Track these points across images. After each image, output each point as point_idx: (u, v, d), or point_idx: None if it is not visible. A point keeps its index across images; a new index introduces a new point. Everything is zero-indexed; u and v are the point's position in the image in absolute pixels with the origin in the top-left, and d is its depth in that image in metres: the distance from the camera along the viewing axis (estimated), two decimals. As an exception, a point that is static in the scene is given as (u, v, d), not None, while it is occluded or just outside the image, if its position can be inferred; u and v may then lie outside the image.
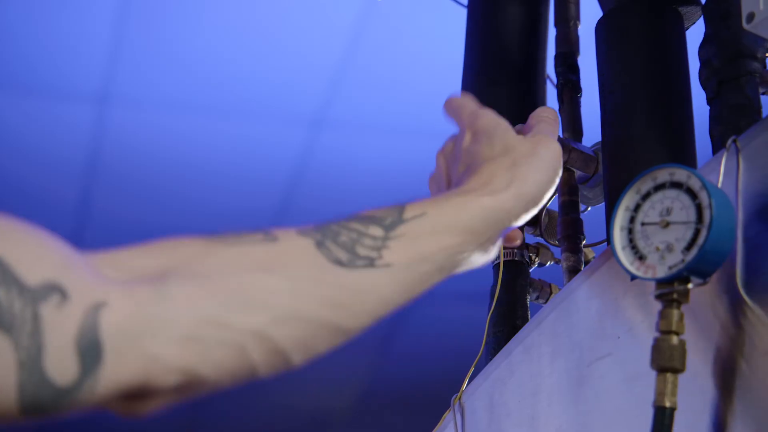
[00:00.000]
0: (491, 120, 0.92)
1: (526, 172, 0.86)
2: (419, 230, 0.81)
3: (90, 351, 0.64)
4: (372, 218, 0.80)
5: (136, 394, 0.68)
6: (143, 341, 0.66)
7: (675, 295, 0.80)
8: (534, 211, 0.87)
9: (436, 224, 0.81)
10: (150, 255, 0.71)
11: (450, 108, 0.96)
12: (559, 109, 1.23)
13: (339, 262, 0.76)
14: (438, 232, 0.81)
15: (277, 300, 0.72)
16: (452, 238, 0.82)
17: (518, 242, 0.91)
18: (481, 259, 0.85)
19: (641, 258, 0.81)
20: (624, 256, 0.82)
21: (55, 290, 0.63)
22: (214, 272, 0.71)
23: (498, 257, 1.20)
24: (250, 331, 0.71)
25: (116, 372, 0.65)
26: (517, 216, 0.85)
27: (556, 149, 0.88)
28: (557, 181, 0.88)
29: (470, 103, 0.95)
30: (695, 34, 1.09)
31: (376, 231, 0.79)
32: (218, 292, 0.70)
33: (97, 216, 3.63)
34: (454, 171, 0.92)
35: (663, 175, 0.82)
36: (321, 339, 0.76)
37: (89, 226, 3.64)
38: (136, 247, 0.71)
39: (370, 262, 0.78)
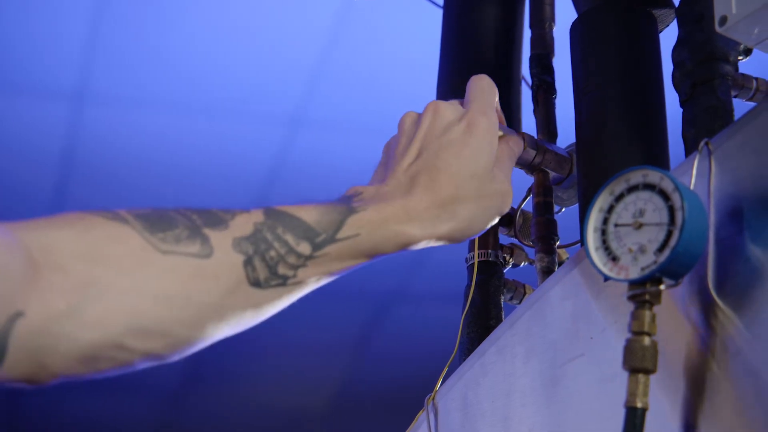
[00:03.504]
0: (485, 131, 0.93)
1: (471, 219, 0.90)
2: (344, 253, 0.84)
3: None
4: (309, 230, 0.82)
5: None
6: (41, 354, 0.71)
7: (647, 297, 0.80)
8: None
9: (362, 248, 0.85)
10: (85, 252, 0.74)
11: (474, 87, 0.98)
12: (534, 111, 1.23)
13: (257, 283, 0.80)
14: (357, 256, 0.85)
15: (179, 330, 0.77)
16: (366, 259, 0.86)
17: None
18: None
19: (614, 259, 0.82)
20: (597, 257, 0.83)
21: None
22: (133, 290, 0.75)
23: (472, 257, 1.20)
24: (143, 353, 0.76)
25: (8, 372, 0.71)
26: (435, 243, 0.90)
27: (506, 199, 0.93)
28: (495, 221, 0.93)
29: (490, 95, 0.96)
30: (669, 36, 1.10)
31: (305, 248, 0.82)
32: (128, 314, 0.74)
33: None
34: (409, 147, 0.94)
35: (636, 176, 0.82)
36: (203, 346, 0.81)
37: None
38: (75, 237, 0.74)
39: (283, 282, 0.81)
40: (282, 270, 0.81)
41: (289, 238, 0.82)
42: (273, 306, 0.83)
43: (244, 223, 0.81)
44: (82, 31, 2.92)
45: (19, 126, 3.24)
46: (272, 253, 0.81)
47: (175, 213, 0.79)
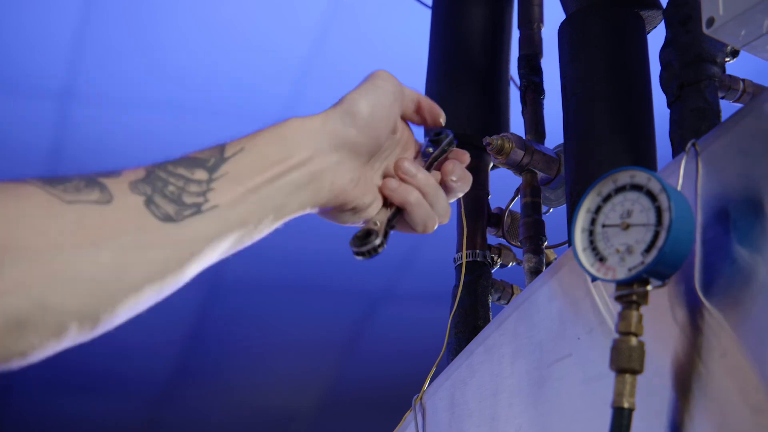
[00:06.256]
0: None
1: (356, 95, 0.89)
2: (244, 168, 0.84)
3: None
4: (197, 161, 0.83)
5: None
6: None
7: (634, 297, 0.80)
8: (376, 132, 0.89)
9: (256, 158, 0.84)
10: None
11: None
12: (522, 111, 1.23)
13: (168, 218, 0.79)
14: (263, 167, 0.84)
15: (103, 276, 0.75)
16: (273, 167, 0.84)
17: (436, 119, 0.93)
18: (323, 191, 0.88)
19: (602, 260, 0.82)
20: (585, 257, 0.83)
21: None
22: (46, 248, 0.73)
23: (460, 257, 1.20)
24: (73, 313, 0.74)
25: None
26: (347, 135, 0.88)
27: (393, 81, 0.91)
28: (395, 107, 0.91)
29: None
30: (657, 37, 1.10)
31: (201, 175, 0.82)
32: (47, 272, 0.73)
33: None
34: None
35: (624, 177, 0.82)
36: (147, 300, 0.79)
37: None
38: None
39: (198, 209, 0.80)
40: (189, 199, 0.81)
41: (183, 171, 0.82)
42: (204, 239, 0.81)
43: (134, 171, 0.81)
44: (71, 29, 2.92)
45: (7, 123, 3.23)
46: (171, 188, 0.81)
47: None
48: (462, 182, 0.94)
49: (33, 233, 0.74)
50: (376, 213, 0.93)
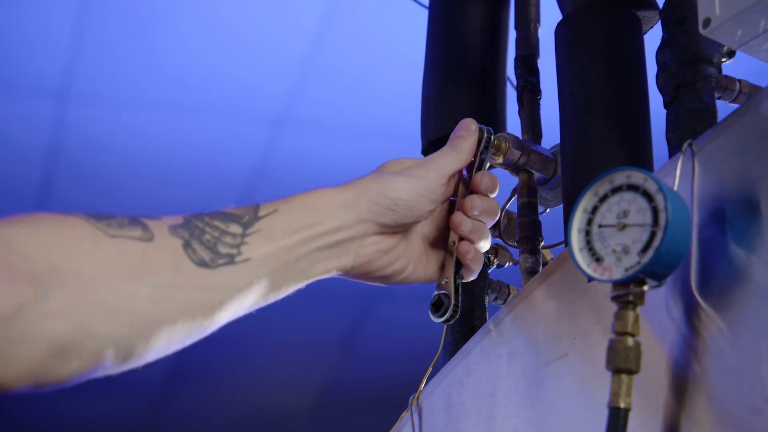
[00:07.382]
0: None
1: (397, 183, 0.92)
2: (276, 227, 0.88)
3: None
4: (232, 216, 0.87)
5: None
6: (14, 347, 0.72)
7: (631, 297, 0.80)
8: (401, 214, 0.92)
9: (288, 221, 0.88)
10: (42, 244, 0.76)
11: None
12: (519, 111, 1.23)
13: (203, 263, 0.83)
14: (295, 229, 0.88)
15: (141, 308, 0.78)
16: (302, 231, 0.88)
17: (463, 229, 0.95)
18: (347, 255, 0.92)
19: (598, 260, 0.82)
20: (581, 257, 0.83)
21: None
22: (90, 276, 0.76)
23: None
24: (112, 341, 0.77)
25: None
26: (371, 210, 0.91)
27: (437, 177, 0.94)
28: (433, 203, 0.94)
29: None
30: (653, 38, 1.10)
31: (236, 229, 0.86)
32: (90, 299, 0.76)
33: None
34: None
35: (620, 177, 0.82)
36: (178, 339, 0.82)
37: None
38: (30, 227, 0.76)
39: (231, 259, 0.85)
40: (224, 249, 0.84)
41: (218, 223, 0.86)
42: (234, 289, 0.84)
43: (173, 217, 0.86)
44: (70, 29, 2.91)
45: (5, 123, 3.23)
46: (207, 236, 0.84)
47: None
48: (486, 214, 0.97)
49: (78, 260, 0.77)
50: (442, 272, 0.97)
